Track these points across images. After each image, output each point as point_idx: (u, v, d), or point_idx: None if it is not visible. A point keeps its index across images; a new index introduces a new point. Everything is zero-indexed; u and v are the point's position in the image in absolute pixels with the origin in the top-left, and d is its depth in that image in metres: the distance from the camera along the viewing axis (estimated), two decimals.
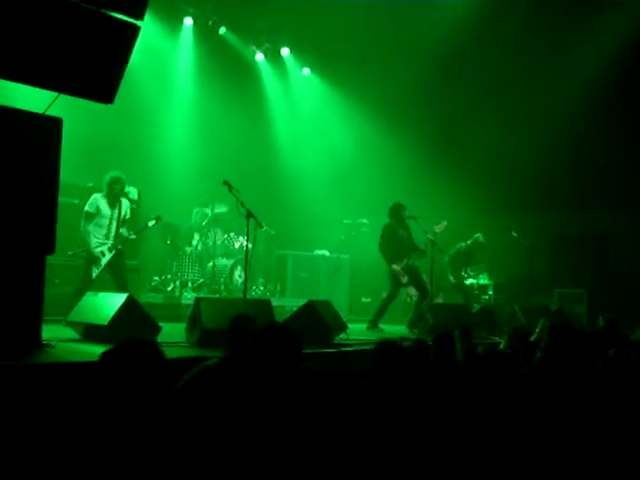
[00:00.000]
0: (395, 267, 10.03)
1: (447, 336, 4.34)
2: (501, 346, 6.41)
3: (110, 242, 8.63)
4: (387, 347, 3.96)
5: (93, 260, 8.51)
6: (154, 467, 2.52)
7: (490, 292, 12.66)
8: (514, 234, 11.97)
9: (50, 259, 6.04)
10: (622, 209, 12.47)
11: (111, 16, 5.56)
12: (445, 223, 10.22)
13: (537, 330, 8.40)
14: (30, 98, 6.23)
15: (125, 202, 8.88)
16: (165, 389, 2.79)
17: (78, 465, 2.53)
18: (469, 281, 12.73)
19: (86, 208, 8.58)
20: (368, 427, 3.18)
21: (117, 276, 8.71)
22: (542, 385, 3.87)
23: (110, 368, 2.75)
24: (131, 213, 8.99)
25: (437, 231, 10.14)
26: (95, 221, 8.57)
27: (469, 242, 12.01)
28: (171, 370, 2.92)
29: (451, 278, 12.13)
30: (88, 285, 8.30)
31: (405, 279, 10.17)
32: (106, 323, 6.24)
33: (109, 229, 8.63)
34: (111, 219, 8.66)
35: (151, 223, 9.19)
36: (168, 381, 2.87)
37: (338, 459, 3.00)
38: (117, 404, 2.67)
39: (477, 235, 12.04)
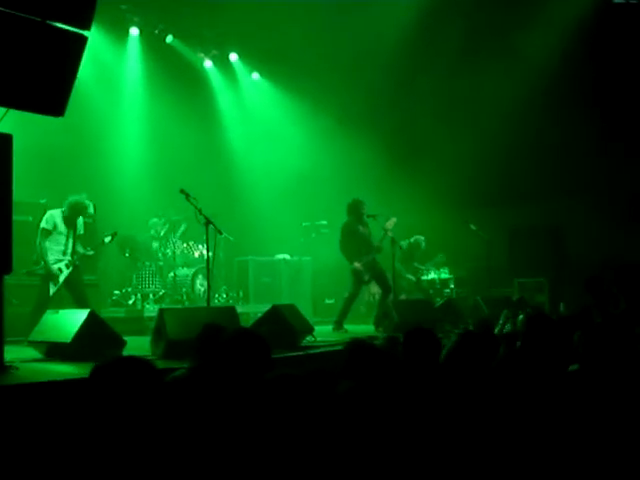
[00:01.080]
0: (357, 265, 10.05)
1: (417, 331, 4.34)
2: None
3: (67, 258, 8.51)
4: (358, 346, 3.95)
5: (50, 277, 8.40)
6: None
7: (452, 286, 12.77)
8: (472, 227, 12.10)
9: (7, 279, 5.91)
10: (577, 198, 12.65)
11: (57, 27, 5.46)
12: (394, 219, 10.26)
13: (500, 321, 8.52)
14: None
15: (80, 219, 8.77)
16: (161, 406, 2.74)
17: None
18: (430, 276, 12.85)
19: (42, 225, 8.46)
20: (346, 428, 3.16)
21: (75, 292, 8.61)
22: (520, 374, 3.90)
23: (103, 384, 2.68)
24: (85, 228, 8.90)
25: (388, 227, 10.17)
26: (51, 238, 8.47)
27: (411, 240, 12.27)
28: (163, 386, 2.87)
29: (410, 276, 12.27)
30: (46, 303, 8.19)
31: (367, 276, 10.19)
32: (69, 341, 6.13)
33: (66, 245, 8.55)
34: (67, 236, 8.56)
35: (107, 239, 9.12)
36: (163, 398, 2.82)
37: (316, 464, 2.97)
38: (109, 423, 2.60)
39: (419, 237, 12.35)
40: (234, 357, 3.64)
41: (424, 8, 12.30)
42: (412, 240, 12.44)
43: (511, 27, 12.53)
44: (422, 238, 12.56)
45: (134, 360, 2.80)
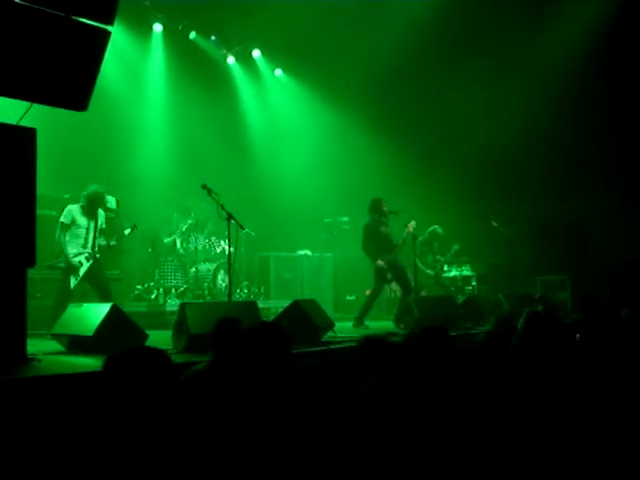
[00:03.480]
0: (380, 263, 10.04)
1: (433, 329, 4.31)
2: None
3: (88, 251, 8.57)
4: (369, 342, 3.94)
5: (71, 270, 8.47)
6: (157, 473, 2.49)
7: (473, 283, 12.71)
8: (494, 224, 12.01)
9: (30, 273, 5.96)
10: (598, 194, 12.55)
11: (81, 22, 5.50)
12: (414, 223, 10.22)
13: (522, 320, 8.45)
14: (1, 109, 6.15)
15: (101, 212, 8.87)
16: (173, 396, 2.75)
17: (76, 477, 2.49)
18: (452, 273, 12.79)
19: (61, 219, 8.57)
20: (362, 424, 3.16)
21: (98, 286, 8.68)
22: (517, 371, 3.88)
23: (116, 374, 2.70)
24: (107, 223, 8.97)
25: (409, 229, 10.15)
26: (71, 231, 8.56)
27: (425, 235, 12.15)
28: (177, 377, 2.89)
29: (429, 271, 12.21)
30: (67, 296, 8.27)
31: (390, 275, 10.19)
32: (91, 334, 6.17)
33: (86, 239, 8.61)
34: (88, 229, 8.64)
35: (127, 231, 9.19)
36: (175, 388, 2.83)
37: (333, 456, 2.97)
38: (123, 412, 2.62)
39: (434, 227, 12.19)
40: (255, 350, 3.65)
41: (441, 7, 12.25)
42: (429, 231, 12.23)
43: (537, 20, 12.46)
44: (437, 227, 12.33)
45: (146, 350, 2.82)
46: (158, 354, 2.81)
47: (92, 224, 8.70)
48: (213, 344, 4.50)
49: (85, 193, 8.68)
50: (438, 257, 12.58)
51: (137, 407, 2.62)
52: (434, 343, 4.17)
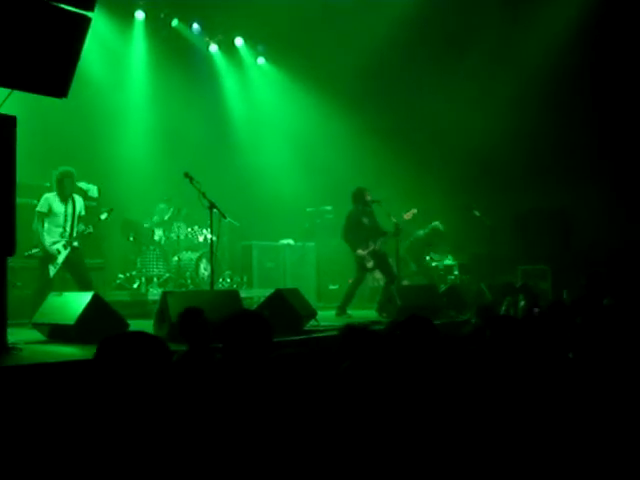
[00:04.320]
0: (360, 252, 10.06)
1: (415, 317, 4.33)
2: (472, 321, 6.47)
3: (65, 240, 8.50)
4: (351, 330, 3.95)
5: (49, 259, 8.39)
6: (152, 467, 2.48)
7: (455, 272, 12.75)
8: (476, 213, 12.05)
9: (10, 261, 5.93)
10: (580, 184, 12.61)
11: (61, 8, 5.44)
12: (415, 211, 10.28)
13: (503, 308, 8.52)
14: None
15: (79, 199, 8.76)
16: (169, 382, 2.74)
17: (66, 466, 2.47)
18: (434, 263, 12.84)
19: (37, 208, 8.48)
20: (345, 410, 3.17)
21: (78, 275, 8.60)
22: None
23: (111, 357, 2.68)
24: (86, 210, 8.88)
25: (406, 218, 10.20)
26: (49, 220, 8.46)
27: (427, 230, 12.16)
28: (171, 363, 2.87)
29: (412, 266, 12.24)
30: (47, 285, 8.19)
31: (371, 264, 10.20)
32: (73, 322, 6.16)
33: (64, 227, 8.53)
34: (65, 216, 8.55)
35: (103, 216, 9.07)
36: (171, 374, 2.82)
37: (314, 444, 2.98)
38: (117, 399, 2.60)
39: (435, 223, 12.22)
40: (236, 338, 3.65)
41: (432, 3, 12.28)
42: (429, 230, 12.19)
43: (516, 20, 12.57)
44: (438, 223, 12.29)
45: (143, 335, 2.80)
46: (154, 340, 2.80)
47: (70, 210, 8.58)
48: (180, 334, 4.57)
49: (54, 177, 8.57)
50: (432, 255, 12.59)
51: (132, 394, 2.61)
52: (418, 331, 4.18)
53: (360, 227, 10.14)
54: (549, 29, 12.61)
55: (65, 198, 8.57)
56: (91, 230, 8.83)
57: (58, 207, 8.54)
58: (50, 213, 8.48)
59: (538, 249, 12.98)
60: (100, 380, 2.67)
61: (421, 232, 12.19)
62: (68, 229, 8.56)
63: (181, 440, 2.66)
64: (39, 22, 5.34)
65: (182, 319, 4.71)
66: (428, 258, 12.54)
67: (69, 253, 8.51)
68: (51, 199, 8.52)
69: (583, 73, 12.38)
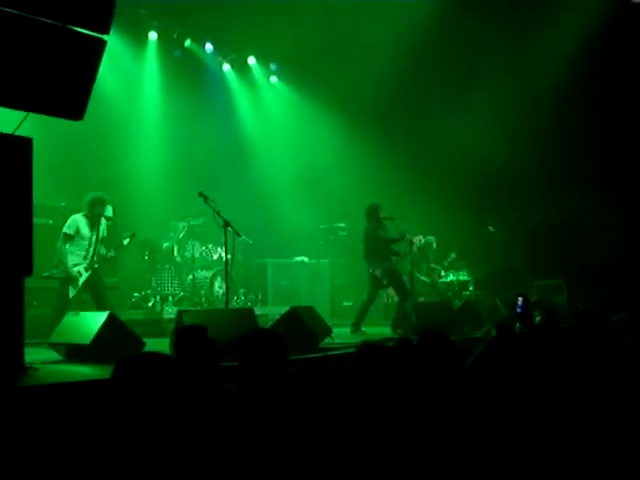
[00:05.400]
0: (376, 269, 10.05)
1: (432, 334, 4.32)
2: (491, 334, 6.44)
3: (87, 262, 8.53)
4: (368, 348, 3.94)
5: (70, 280, 8.42)
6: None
7: (470, 288, 12.72)
8: (490, 229, 12.04)
9: (27, 281, 5.96)
10: (592, 197, 12.57)
11: (77, 31, 5.51)
12: (420, 237, 10.27)
13: (517, 325, 8.47)
14: None
15: (103, 221, 8.82)
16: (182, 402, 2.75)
17: None
18: (449, 278, 12.81)
19: (65, 229, 8.49)
20: (356, 428, 3.16)
21: (96, 294, 8.64)
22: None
23: (126, 377, 2.69)
24: (108, 231, 8.93)
25: (415, 242, 10.21)
26: (74, 242, 8.49)
27: (421, 242, 12.16)
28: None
29: (424, 278, 12.23)
30: (65, 306, 8.21)
31: (385, 281, 10.20)
32: (89, 342, 6.19)
33: (87, 251, 8.55)
34: (90, 240, 8.58)
35: (126, 241, 9.14)
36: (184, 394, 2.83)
37: (326, 463, 2.97)
38: (131, 418, 2.62)
39: (429, 237, 12.25)
40: (251, 356, 3.65)
41: (439, 12, 12.33)
42: (422, 242, 12.19)
43: (530, 26, 12.57)
44: (433, 238, 12.47)
45: (158, 356, 2.82)
46: (169, 361, 2.81)
47: (94, 235, 8.64)
48: (176, 352, 4.27)
49: (86, 201, 8.63)
50: (433, 265, 12.62)
51: (146, 413, 2.62)
52: (435, 348, 4.17)
53: (377, 243, 10.12)
54: (557, 44, 12.62)
55: (94, 223, 8.63)
56: (113, 254, 8.88)
57: (85, 231, 8.57)
58: (76, 235, 8.51)
59: (551, 263, 12.93)
60: (116, 401, 2.68)
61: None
62: (91, 252, 8.58)
63: (195, 460, 2.67)
64: (56, 46, 5.40)
65: (182, 339, 4.19)
66: (425, 267, 12.50)
67: (89, 274, 8.54)
68: (79, 221, 8.55)
69: (591, 84, 12.38)
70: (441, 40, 12.75)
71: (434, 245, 12.50)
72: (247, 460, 2.78)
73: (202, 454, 2.72)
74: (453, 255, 12.69)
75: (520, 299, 5.51)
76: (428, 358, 4.15)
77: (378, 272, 10.06)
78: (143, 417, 2.63)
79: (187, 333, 4.29)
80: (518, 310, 5.44)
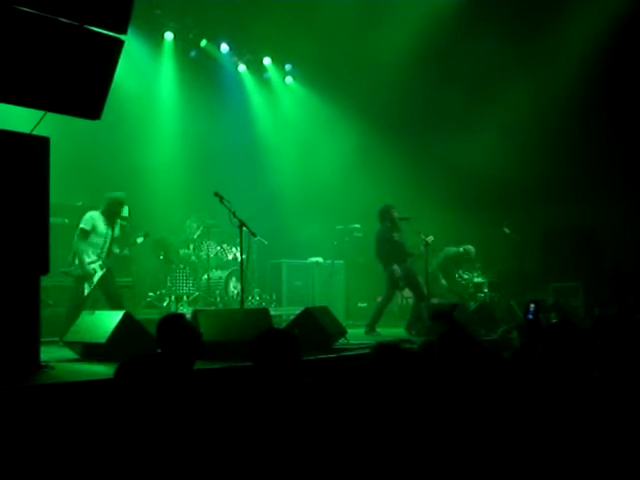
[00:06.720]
0: (393, 270, 10.03)
1: (451, 334, 4.28)
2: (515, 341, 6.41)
3: (102, 260, 8.56)
4: (384, 350, 3.91)
5: (85, 277, 8.44)
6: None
7: (485, 290, 12.63)
8: (506, 230, 11.97)
9: (43, 280, 5.99)
10: (608, 199, 12.49)
11: (95, 31, 5.53)
12: (432, 237, 10.20)
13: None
14: (14, 118, 6.20)
15: (118, 221, 8.85)
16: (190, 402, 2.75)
17: None
18: (464, 281, 12.74)
19: (82, 225, 8.49)
20: (371, 430, 3.15)
21: (109, 293, 8.65)
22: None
23: (127, 380, 2.70)
24: (120, 230, 8.95)
25: (429, 242, 10.16)
26: (90, 239, 8.50)
27: (460, 250, 12.04)
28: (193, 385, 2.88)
29: (443, 282, 12.15)
30: (81, 304, 8.24)
31: (402, 282, 10.18)
32: (104, 341, 6.21)
33: (102, 248, 8.57)
34: (106, 238, 8.60)
35: (139, 240, 9.17)
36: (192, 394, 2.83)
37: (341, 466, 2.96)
38: (138, 418, 2.62)
39: (469, 247, 12.08)
40: (266, 356, 3.64)
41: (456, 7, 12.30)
42: (462, 249, 12.07)
43: (541, 31, 12.52)
44: (472, 248, 12.14)
45: (161, 357, 2.82)
46: (172, 361, 2.82)
47: (110, 233, 8.66)
48: (158, 342, 4.26)
49: (106, 199, 8.66)
50: (461, 272, 12.47)
51: (152, 412, 2.63)
52: (459, 348, 4.12)
53: (391, 244, 10.10)
54: (569, 44, 12.56)
55: (111, 222, 8.66)
56: (127, 253, 8.91)
57: (102, 229, 8.59)
58: (93, 232, 8.52)
59: (567, 266, 12.83)
60: (117, 401, 2.70)
61: (453, 249, 12.07)
62: (106, 250, 8.60)
63: (200, 460, 2.67)
64: (73, 45, 5.42)
65: (163, 325, 4.27)
66: (457, 276, 12.45)
67: (103, 272, 8.57)
68: (96, 219, 8.57)
69: (605, 86, 12.29)
70: (458, 42, 12.69)
71: (472, 255, 12.14)
72: (249, 460, 2.77)
73: (201, 454, 2.72)
74: (478, 265, 12.61)
75: (532, 306, 5.46)
76: (448, 360, 4.11)
77: (395, 273, 10.04)
78: (143, 417, 2.63)
79: (164, 322, 4.31)
80: (529, 317, 5.40)
